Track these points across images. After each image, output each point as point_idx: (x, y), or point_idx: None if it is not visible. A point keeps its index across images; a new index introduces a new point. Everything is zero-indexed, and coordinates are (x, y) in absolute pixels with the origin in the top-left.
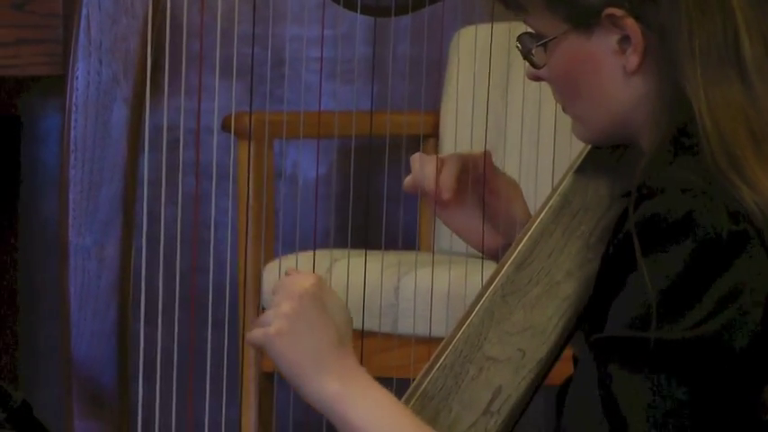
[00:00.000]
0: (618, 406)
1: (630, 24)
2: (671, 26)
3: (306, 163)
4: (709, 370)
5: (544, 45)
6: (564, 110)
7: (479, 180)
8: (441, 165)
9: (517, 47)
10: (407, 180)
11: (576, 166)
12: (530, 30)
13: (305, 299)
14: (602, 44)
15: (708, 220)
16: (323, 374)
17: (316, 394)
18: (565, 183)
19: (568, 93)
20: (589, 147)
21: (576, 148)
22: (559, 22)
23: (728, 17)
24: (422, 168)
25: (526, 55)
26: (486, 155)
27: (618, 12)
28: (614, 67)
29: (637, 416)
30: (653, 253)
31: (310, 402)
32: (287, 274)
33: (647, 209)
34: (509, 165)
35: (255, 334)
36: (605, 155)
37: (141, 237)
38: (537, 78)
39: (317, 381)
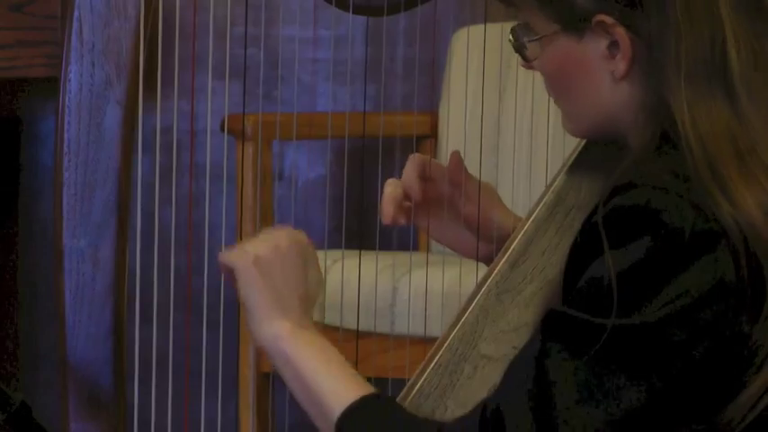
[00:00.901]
0: (548, 384)
1: (620, 32)
2: (659, 37)
3: (304, 164)
4: (650, 360)
5: (534, 40)
6: (555, 102)
7: (454, 186)
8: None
9: (510, 40)
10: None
11: (569, 165)
12: (523, 21)
13: (293, 246)
14: (592, 48)
15: (673, 216)
16: (281, 312)
17: (267, 329)
18: (558, 181)
19: (557, 89)
20: (582, 145)
21: (569, 147)
22: (551, 23)
23: (717, 30)
24: (387, 187)
25: (518, 48)
26: (454, 155)
27: (608, 19)
28: (602, 71)
29: (565, 396)
30: (615, 245)
31: (258, 337)
32: None
33: (616, 202)
34: (504, 164)
35: (232, 255)
36: (599, 153)
37: (136, 238)
38: (530, 68)
39: (273, 316)
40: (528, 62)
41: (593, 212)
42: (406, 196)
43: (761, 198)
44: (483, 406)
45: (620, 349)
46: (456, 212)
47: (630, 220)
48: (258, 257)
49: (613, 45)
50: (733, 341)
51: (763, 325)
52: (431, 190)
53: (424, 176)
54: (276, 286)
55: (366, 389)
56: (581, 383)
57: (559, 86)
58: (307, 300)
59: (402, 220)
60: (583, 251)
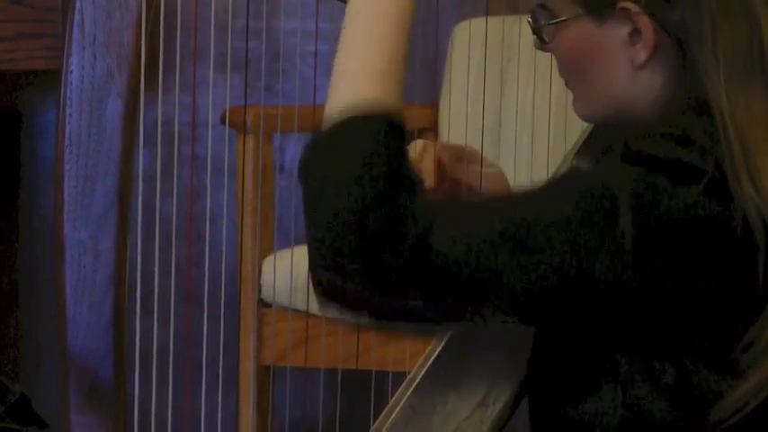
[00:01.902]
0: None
1: (644, 21)
2: (693, 30)
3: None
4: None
5: (555, 23)
6: (566, 85)
7: (464, 175)
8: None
9: (528, 21)
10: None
11: (570, 157)
12: (542, 2)
13: None
14: (613, 34)
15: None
16: None
17: None
18: (559, 173)
19: (572, 73)
20: (584, 137)
21: (570, 140)
22: (573, 5)
23: (754, 24)
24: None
25: (536, 29)
26: (470, 149)
27: (633, 7)
28: (621, 58)
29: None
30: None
31: None
32: None
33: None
34: (505, 156)
35: None
36: (600, 147)
37: (137, 231)
38: (543, 49)
39: None
40: (544, 44)
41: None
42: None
43: None
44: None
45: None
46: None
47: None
48: None
49: (635, 33)
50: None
51: (760, 326)
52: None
53: (440, 163)
54: None
55: (382, 89)
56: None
57: (575, 70)
58: None
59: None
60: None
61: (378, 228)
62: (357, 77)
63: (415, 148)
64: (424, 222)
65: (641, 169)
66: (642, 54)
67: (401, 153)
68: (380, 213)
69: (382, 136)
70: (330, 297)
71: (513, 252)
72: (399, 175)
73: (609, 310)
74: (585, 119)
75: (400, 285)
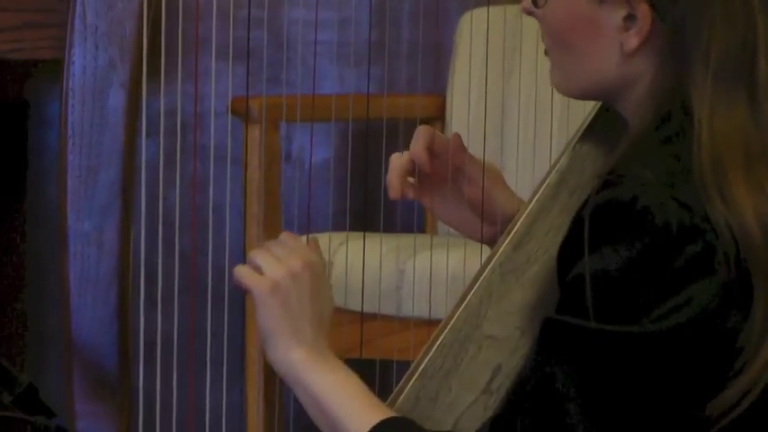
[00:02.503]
0: (550, 397)
1: (643, 9)
2: (690, 28)
3: (309, 146)
4: (638, 368)
5: None
6: (545, 53)
7: (457, 167)
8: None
9: None
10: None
11: (573, 145)
12: None
13: (307, 271)
14: (610, 14)
15: (660, 214)
16: (297, 342)
17: (283, 358)
18: (562, 161)
19: (558, 43)
20: (586, 125)
21: (573, 128)
22: None
23: (750, 34)
24: (393, 160)
25: None
26: (455, 137)
27: None
28: (612, 41)
29: (570, 407)
30: (600, 243)
31: (275, 365)
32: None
33: (603, 197)
34: (509, 146)
35: (251, 279)
36: (602, 133)
37: (141, 221)
38: (529, 13)
39: (289, 345)
40: (537, 7)
41: (584, 206)
42: (414, 169)
43: (760, 207)
44: (493, 419)
45: (616, 355)
46: (459, 193)
47: (616, 217)
48: (276, 285)
49: (630, 18)
50: (720, 337)
51: (749, 328)
52: (437, 166)
53: (432, 149)
54: (293, 314)
55: (384, 412)
56: (582, 394)
57: (563, 41)
58: (321, 324)
59: (409, 194)
60: (571, 247)
61: None
62: (360, 412)
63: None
64: None
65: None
66: (633, 41)
67: None
68: None
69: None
70: None
71: None
72: None
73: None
74: (561, 91)
75: None
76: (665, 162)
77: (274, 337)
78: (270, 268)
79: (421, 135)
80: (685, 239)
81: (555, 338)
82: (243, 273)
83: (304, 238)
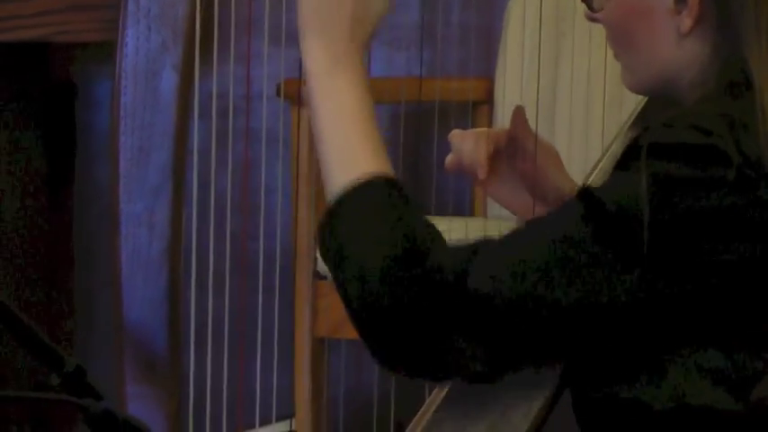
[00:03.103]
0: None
1: None
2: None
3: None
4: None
5: None
6: (615, 56)
7: (513, 143)
8: (477, 140)
9: None
10: (448, 159)
11: (625, 130)
12: None
13: None
14: (660, 1)
15: (722, 157)
16: (322, 41)
17: (306, 55)
18: (614, 146)
19: (620, 41)
20: (639, 110)
21: (625, 112)
22: None
23: None
24: (460, 145)
25: None
26: (518, 110)
27: None
28: (667, 25)
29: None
30: (657, 159)
31: (304, 53)
32: None
33: (657, 134)
34: (560, 130)
35: None
36: (655, 118)
37: (192, 203)
38: (593, 19)
39: (312, 44)
40: (593, 12)
41: (637, 137)
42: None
43: None
44: (485, 241)
45: (630, 247)
46: (514, 169)
47: (671, 155)
48: None
49: (681, 1)
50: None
51: None
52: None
53: (496, 148)
54: (327, 7)
55: (375, 164)
56: (585, 269)
57: (622, 38)
58: (361, 25)
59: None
60: (622, 166)
61: (412, 287)
62: (347, 155)
63: (457, 137)
64: (456, 270)
65: (665, 164)
66: (687, 22)
67: (415, 209)
68: (411, 273)
69: (392, 197)
70: (391, 364)
71: (542, 283)
72: (420, 232)
73: (658, 313)
74: (634, 90)
75: (446, 334)
76: (732, 113)
77: (304, 29)
78: None
79: (483, 143)
80: (737, 188)
81: (589, 210)
82: None
83: None
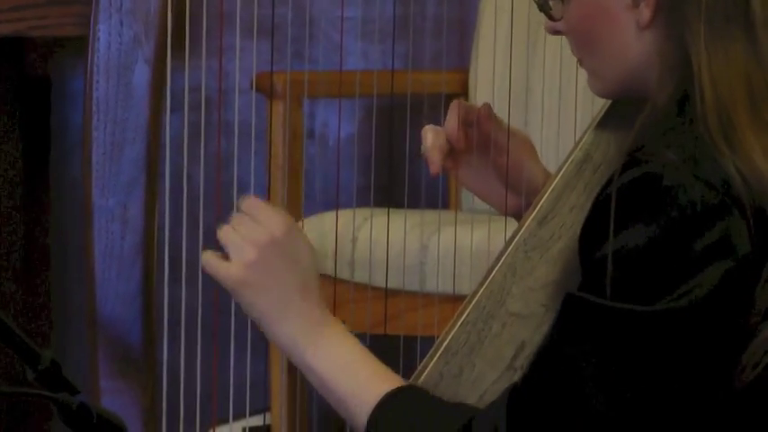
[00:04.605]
0: (571, 370)
1: None
2: None
3: (333, 122)
4: (657, 347)
5: None
6: (580, 64)
7: (485, 136)
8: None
9: (536, 2)
10: (422, 148)
11: (597, 121)
12: None
13: (274, 248)
14: None
15: (684, 194)
16: (286, 322)
17: (279, 341)
18: (586, 137)
19: (584, 46)
20: (610, 102)
21: (598, 103)
22: None
23: None
24: (430, 134)
25: (542, 7)
26: (484, 107)
27: None
28: (627, 21)
29: (589, 383)
30: (625, 222)
31: (275, 343)
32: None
33: (630, 175)
34: (533, 120)
35: (221, 272)
36: (626, 109)
37: (165, 197)
38: (555, 32)
39: (280, 328)
40: (554, 21)
41: (607, 185)
42: (449, 143)
43: None
44: (511, 390)
45: (635, 333)
46: (487, 162)
47: (640, 197)
48: (245, 281)
49: None
50: (739, 315)
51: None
52: (468, 136)
53: (467, 122)
54: (273, 293)
55: (390, 381)
56: (601, 370)
57: (585, 42)
58: (308, 286)
59: (448, 166)
60: (595, 225)
61: None
62: (360, 392)
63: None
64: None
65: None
66: (646, 13)
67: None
68: None
69: (415, 398)
70: None
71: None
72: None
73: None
74: (602, 95)
75: None
76: (687, 136)
77: (264, 324)
78: (237, 257)
79: (453, 110)
80: (708, 219)
81: (574, 315)
82: (210, 265)
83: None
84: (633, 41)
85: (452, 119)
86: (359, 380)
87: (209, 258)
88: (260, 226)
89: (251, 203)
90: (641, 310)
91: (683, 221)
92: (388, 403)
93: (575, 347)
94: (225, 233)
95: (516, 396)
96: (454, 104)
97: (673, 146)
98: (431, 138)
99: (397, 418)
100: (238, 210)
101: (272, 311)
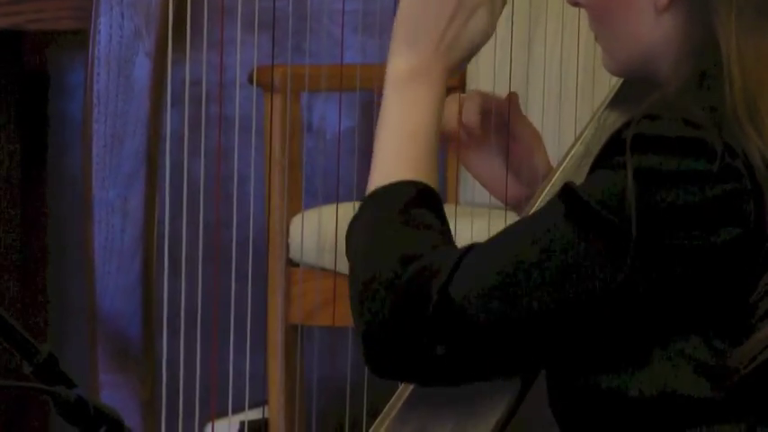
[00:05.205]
0: (540, 254)
1: None
2: None
3: (333, 116)
4: (655, 260)
5: None
6: (596, 39)
7: (503, 124)
8: (462, 102)
9: None
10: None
11: (598, 115)
12: None
13: None
14: None
15: (705, 151)
16: (405, 51)
17: (390, 59)
18: (587, 132)
19: (599, 22)
20: (612, 96)
21: (598, 98)
22: None
23: None
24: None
25: None
26: (512, 96)
27: None
28: (645, 3)
29: (544, 272)
30: (639, 168)
31: (388, 58)
32: None
33: (644, 128)
34: (532, 115)
35: None
36: (628, 105)
37: (165, 190)
38: (575, 3)
39: (397, 52)
40: None
41: (620, 130)
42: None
43: None
44: (468, 248)
45: (614, 244)
46: (496, 150)
47: (660, 142)
48: None
49: None
50: (744, 279)
51: None
52: (484, 125)
53: (484, 111)
54: (419, 21)
55: (417, 172)
56: (566, 271)
57: (601, 18)
58: (453, 46)
59: (452, 144)
60: (605, 162)
61: (402, 290)
62: (389, 164)
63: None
64: (442, 275)
65: (650, 157)
66: None
67: (426, 214)
68: (404, 276)
69: (407, 202)
70: (383, 369)
71: (528, 286)
72: (421, 236)
73: (646, 304)
74: (614, 73)
75: (434, 341)
76: (700, 106)
77: (395, 32)
78: None
79: (472, 99)
80: (723, 179)
81: (562, 202)
82: None
83: None
84: (649, 24)
85: (472, 106)
86: (393, 154)
87: None
88: None
89: None
90: (628, 228)
91: (698, 172)
92: (378, 195)
93: (550, 238)
94: None
95: (472, 253)
96: (473, 93)
97: (693, 107)
98: (450, 108)
99: (369, 219)
100: None
101: (401, 35)
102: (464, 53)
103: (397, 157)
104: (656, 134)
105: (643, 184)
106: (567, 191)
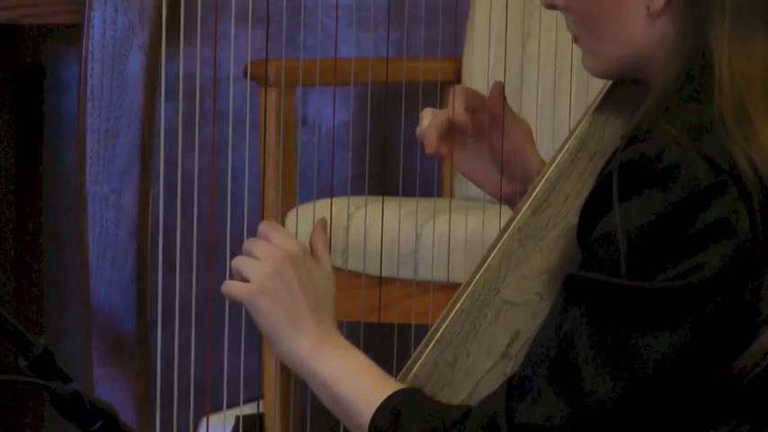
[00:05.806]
0: (571, 353)
1: None
2: None
3: (327, 110)
4: (676, 322)
5: None
6: (575, 40)
7: (492, 121)
8: (449, 97)
9: None
10: (418, 130)
11: (592, 110)
12: None
13: (288, 263)
14: None
15: (686, 171)
16: (298, 334)
17: (288, 352)
18: (581, 126)
19: (585, 25)
20: (606, 90)
21: (593, 92)
22: None
23: None
24: (428, 115)
25: None
26: (497, 84)
27: None
28: (638, 5)
29: (590, 366)
30: (628, 198)
31: (283, 359)
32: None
33: (628, 155)
34: (527, 109)
35: (237, 289)
36: (622, 98)
37: (159, 185)
38: (552, 7)
39: (291, 339)
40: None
41: (608, 163)
42: (452, 126)
43: None
44: (509, 380)
45: (639, 310)
46: (485, 147)
47: (643, 173)
48: (262, 287)
49: None
50: (744, 292)
51: None
52: (472, 121)
53: (469, 107)
54: (286, 308)
55: (391, 386)
56: (604, 350)
57: (587, 21)
58: (319, 308)
59: (443, 150)
60: (596, 204)
61: None
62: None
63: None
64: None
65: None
66: (659, 0)
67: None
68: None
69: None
70: None
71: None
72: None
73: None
74: (598, 75)
75: None
76: (691, 117)
77: (276, 335)
78: (253, 272)
79: (459, 95)
80: (711, 196)
81: (573, 294)
82: (227, 287)
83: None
84: (641, 27)
85: (459, 102)
86: (366, 383)
87: (226, 283)
88: (274, 245)
89: (265, 226)
90: (639, 286)
91: (683, 198)
92: (395, 398)
93: (573, 327)
94: (239, 260)
95: (515, 384)
96: (459, 88)
97: (676, 122)
98: (428, 118)
99: (402, 412)
100: (256, 234)
101: (283, 326)
102: (329, 298)
103: (363, 387)
104: (638, 177)
105: (625, 243)
106: (568, 281)
